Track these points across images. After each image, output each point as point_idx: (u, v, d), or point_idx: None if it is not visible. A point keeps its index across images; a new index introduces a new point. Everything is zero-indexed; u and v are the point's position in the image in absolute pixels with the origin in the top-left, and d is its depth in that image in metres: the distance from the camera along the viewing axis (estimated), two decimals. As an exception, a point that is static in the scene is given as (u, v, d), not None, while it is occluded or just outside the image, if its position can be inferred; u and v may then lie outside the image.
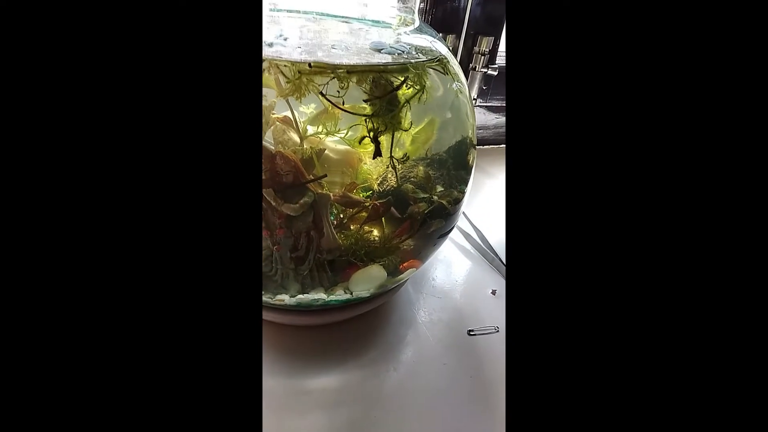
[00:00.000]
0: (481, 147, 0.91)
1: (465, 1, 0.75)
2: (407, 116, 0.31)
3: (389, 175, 0.35)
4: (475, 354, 0.41)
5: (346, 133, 0.32)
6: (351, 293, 0.36)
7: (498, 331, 0.43)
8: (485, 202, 0.69)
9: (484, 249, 0.56)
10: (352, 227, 0.35)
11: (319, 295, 0.35)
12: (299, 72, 0.27)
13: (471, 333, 0.43)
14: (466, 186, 0.40)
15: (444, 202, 0.37)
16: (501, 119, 0.93)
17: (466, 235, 0.59)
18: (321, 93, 0.27)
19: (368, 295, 0.38)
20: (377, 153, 0.30)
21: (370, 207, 0.34)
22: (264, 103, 0.30)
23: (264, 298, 0.35)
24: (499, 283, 0.51)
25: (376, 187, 0.35)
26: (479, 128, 0.90)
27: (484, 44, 0.79)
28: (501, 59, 0.86)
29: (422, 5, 0.73)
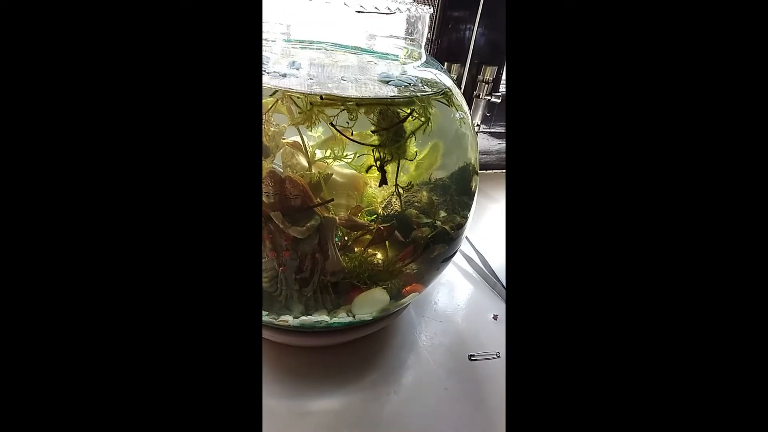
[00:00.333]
0: (484, 171, 0.93)
1: (470, 32, 0.78)
2: (412, 146, 0.32)
3: (393, 200, 0.36)
4: (476, 379, 0.41)
5: (353, 158, 0.33)
6: (354, 316, 0.37)
7: (499, 356, 0.44)
8: (488, 227, 0.70)
9: (486, 273, 0.57)
10: (356, 250, 0.36)
11: (322, 317, 0.36)
12: (311, 103, 0.29)
13: (472, 358, 0.43)
14: (469, 211, 0.41)
15: (447, 227, 0.38)
16: (503, 145, 0.95)
17: (469, 259, 0.60)
18: (331, 123, 0.29)
19: (371, 318, 0.39)
20: (383, 181, 0.32)
21: (374, 230, 0.35)
22: (275, 129, 0.32)
23: (268, 319, 0.36)
24: (501, 308, 0.51)
25: (380, 211, 0.36)
26: (482, 153, 0.92)
27: (488, 73, 0.82)
28: (504, 87, 0.88)
29: (429, 35, 0.76)
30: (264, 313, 0.35)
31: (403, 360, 0.42)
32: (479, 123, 0.88)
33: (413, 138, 0.32)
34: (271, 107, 0.29)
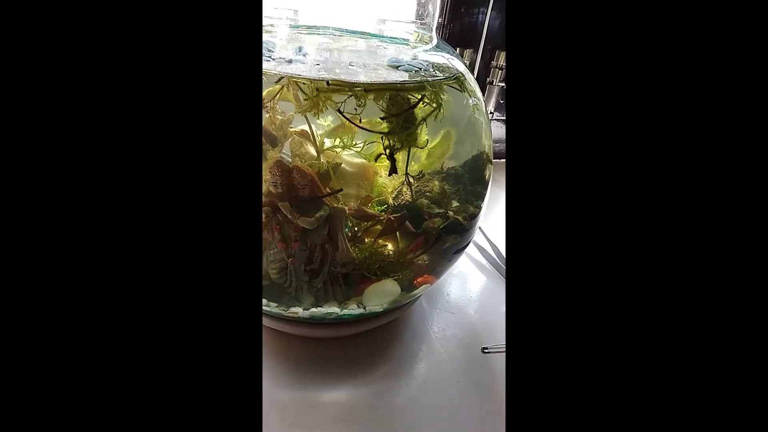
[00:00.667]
0: (498, 160, 0.91)
1: (483, 16, 0.75)
2: (423, 133, 0.31)
3: (404, 190, 0.35)
4: (489, 372, 0.40)
5: (363, 147, 0.33)
6: (364, 308, 0.36)
7: (513, 349, 0.43)
8: (502, 217, 0.68)
9: (499, 264, 0.56)
10: (366, 241, 0.35)
11: (333, 309, 0.35)
12: (317, 89, 0.28)
13: (485, 350, 0.42)
14: (482, 201, 0.39)
15: (459, 217, 0.37)
16: (518, 132, 0.92)
17: (482, 250, 0.58)
18: (339, 110, 0.28)
19: (381, 309, 0.38)
20: (393, 170, 0.31)
21: (384, 221, 0.35)
22: (282, 117, 0.31)
23: (277, 310, 0.35)
24: (515, 300, 0.50)
25: (391, 201, 0.35)
26: (496, 142, 0.90)
27: (502, 58, 0.80)
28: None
29: (440, 20, 0.74)
30: (273, 304, 0.35)
31: (414, 352, 0.41)
32: (493, 110, 0.86)
33: (424, 125, 0.31)
34: (277, 94, 0.29)
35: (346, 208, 0.33)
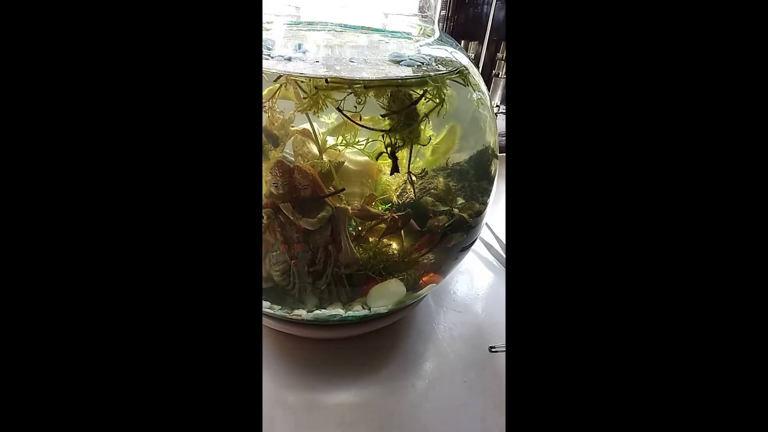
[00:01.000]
0: (504, 154, 0.90)
1: (487, 8, 0.74)
2: (426, 130, 0.30)
3: (408, 188, 0.34)
4: (496, 372, 0.39)
5: (365, 145, 0.32)
6: (369, 309, 0.36)
7: (521, 348, 0.42)
8: (508, 212, 0.67)
9: (506, 261, 0.55)
10: (370, 240, 0.35)
11: (337, 311, 0.35)
12: (316, 87, 0.27)
13: (493, 350, 0.41)
14: (489, 197, 0.39)
15: (465, 214, 0.36)
16: (525, 126, 0.91)
17: (489, 247, 0.58)
18: (338, 108, 0.27)
19: (386, 310, 0.38)
20: (395, 168, 0.30)
21: (388, 220, 0.34)
22: (281, 116, 0.31)
23: (281, 313, 0.35)
24: (523, 297, 0.49)
25: (395, 199, 0.34)
26: (502, 135, 0.88)
27: (508, 50, 0.78)
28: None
29: (444, 12, 0.73)
30: (277, 307, 0.34)
31: (420, 352, 0.41)
32: (498, 104, 0.85)
33: (427, 121, 0.30)
34: (276, 93, 0.28)
35: (349, 207, 0.33)
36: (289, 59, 0.29)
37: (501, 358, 0.41)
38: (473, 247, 0.49)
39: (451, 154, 0.35)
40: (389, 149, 0.29)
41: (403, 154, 0.31)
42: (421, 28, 0.37)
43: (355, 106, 0.27)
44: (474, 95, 0.35)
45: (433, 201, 0.35)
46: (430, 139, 0.32)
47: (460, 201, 0.36)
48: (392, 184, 0.34)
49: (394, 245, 0.36)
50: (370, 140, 0.31)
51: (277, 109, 0.29)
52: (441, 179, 0.36)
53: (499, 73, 0.80)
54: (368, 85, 0.27)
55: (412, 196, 0.34)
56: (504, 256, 0.56)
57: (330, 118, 0.31)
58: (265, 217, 0.31)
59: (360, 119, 0.29)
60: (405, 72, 0.31)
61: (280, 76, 0.28)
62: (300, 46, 0.31)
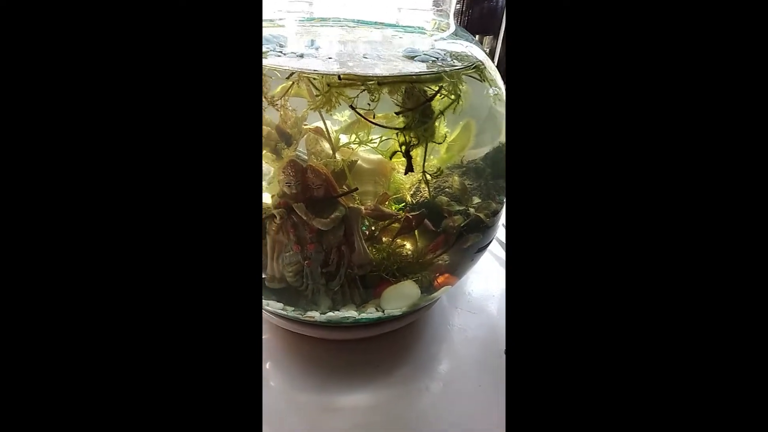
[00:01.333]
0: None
1: (502, 1, 0.72)
2: (441, 128, 0.30)
3: (423, 187, 0.33)
4: (513, 375, 0.38)
5: (379, 143, 0.31)
6: (383, 311, 0.35)
7: (539, 351, 0.41)
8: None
9: (523, 261, 0.53)
10: (384, 240, 0.34)
11: (350, 313, 0.34)
12: (328, 85, 0.26)
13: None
14: (506, 196, 0.37)
15: (481, 214, 0.35)
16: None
17: (505, 246, 0.56)
18: (351, 106, 0.26)
19: (400, 313, 0.37)
20: (409, 168, 0.29)
21: (402, 220, 0.33)
22: (294, 114, 0.30)
23: (294, 314, 0.35)
24: (540, 298, 0.48)
25: (409, 198, 0.34)
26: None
27: (524, 44, 0.76)
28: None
29: (458, 6, 0.71)
30: (290, 308, 0.34)
31: (434, 354, 0.40)
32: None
33: (442, 118, 0.29)
34: (288, 90, 0.27)
35: (363, 207, 0.32)
36: (302, 56, 0.29)
37: (518, 361, 0.40)
38: (489, 246, 0.48)
39: (467, 152, 0.34)
40: (403, 147, 0.28)
41: (417, 153, 0.30)
42: (436, 23, 0.36)
43: (369, 104, 0.27)
44: (491, 90, 0.34)
45: (448, 200, 0.34)
46: (446, 136, 0.31)
47: (476, 200, 0.35)
48: (406, 183, 0.34)
49: (408, 246, 0.35)
50: (383, 138, 0.31)
51: (290, 107, 0.29)
52: (456, 178, 0.35)
53: (514, 68, 0.78)
54: (382, 81, 0.27)
55: (427, 195, 0.33)
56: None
57: (343, 116, 0.30)
58: (278, 217, 0.30)
59: (374, 117, 0.28)
60: (419, 68, 0.30)
61: (293, 73, 0.27)
62: (313, 42, 0.31)
